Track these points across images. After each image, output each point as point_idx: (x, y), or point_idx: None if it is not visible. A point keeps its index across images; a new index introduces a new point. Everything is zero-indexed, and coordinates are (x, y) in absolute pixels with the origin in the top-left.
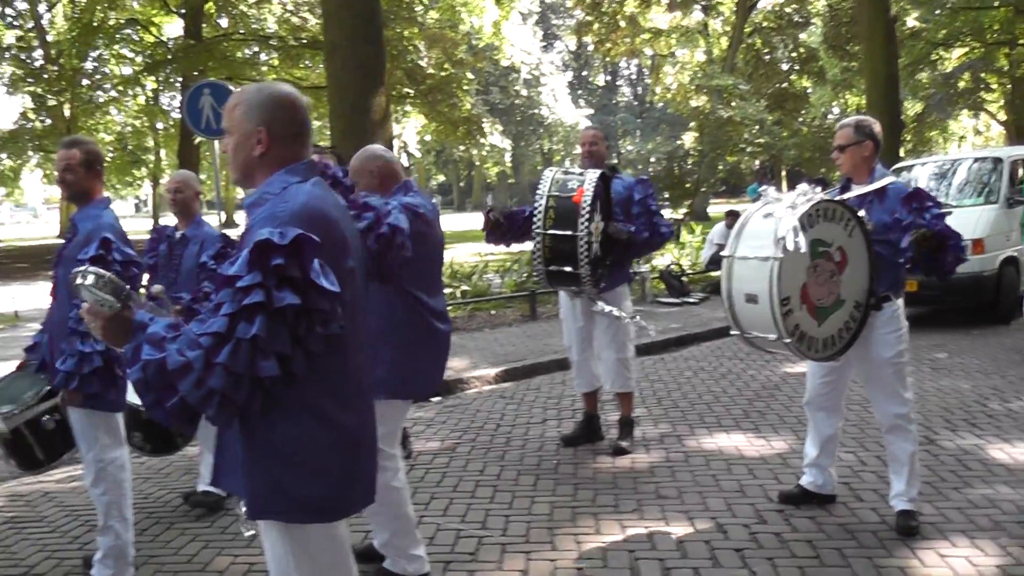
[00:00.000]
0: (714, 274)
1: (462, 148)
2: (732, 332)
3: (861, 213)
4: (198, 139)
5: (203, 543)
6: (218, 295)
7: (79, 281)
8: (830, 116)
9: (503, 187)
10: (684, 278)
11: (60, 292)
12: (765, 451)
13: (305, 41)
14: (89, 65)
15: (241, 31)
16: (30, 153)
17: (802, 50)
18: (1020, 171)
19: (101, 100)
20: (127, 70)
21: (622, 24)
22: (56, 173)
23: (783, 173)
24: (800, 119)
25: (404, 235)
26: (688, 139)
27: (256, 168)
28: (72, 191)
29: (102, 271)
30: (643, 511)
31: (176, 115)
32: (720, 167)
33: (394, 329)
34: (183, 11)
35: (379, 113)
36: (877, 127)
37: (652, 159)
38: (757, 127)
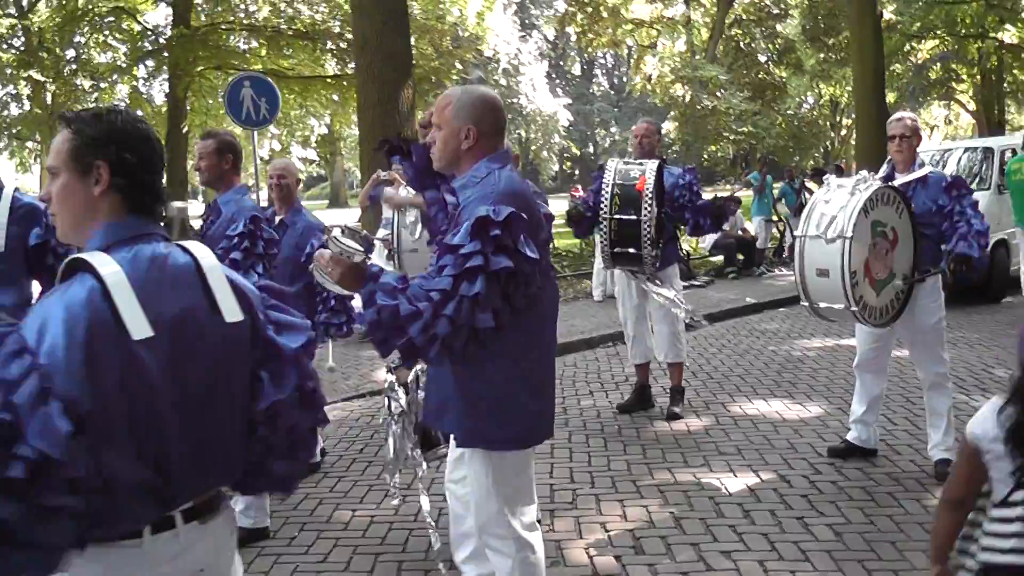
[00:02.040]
0: (713, 259)
1: None
2: (802, 303)
3: None
4: (186, 128)
5: (317, 500)
6: (441, 260)
7: (334, 234)
8: (805, 106)
9: None
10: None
11: None
12: (804, 415)
13: (294, 31)
14: (72, 53)
15: (230, 20)
16: (4, 140)
17: (780, 41)
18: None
19: (87, 88)
20: (106, 58)
21: (604, 15)
22: (195, 162)
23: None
24: (776, 109)
25: None
26: (668, 128)
27: (463, 157)
28: (207, 177)
29: (356, 227)
30: (711, 465)
31: (158, 102)
32: (705, 157)
33: None
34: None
35: (407, 104)
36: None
37: (630, 148)
38: (735, 117)
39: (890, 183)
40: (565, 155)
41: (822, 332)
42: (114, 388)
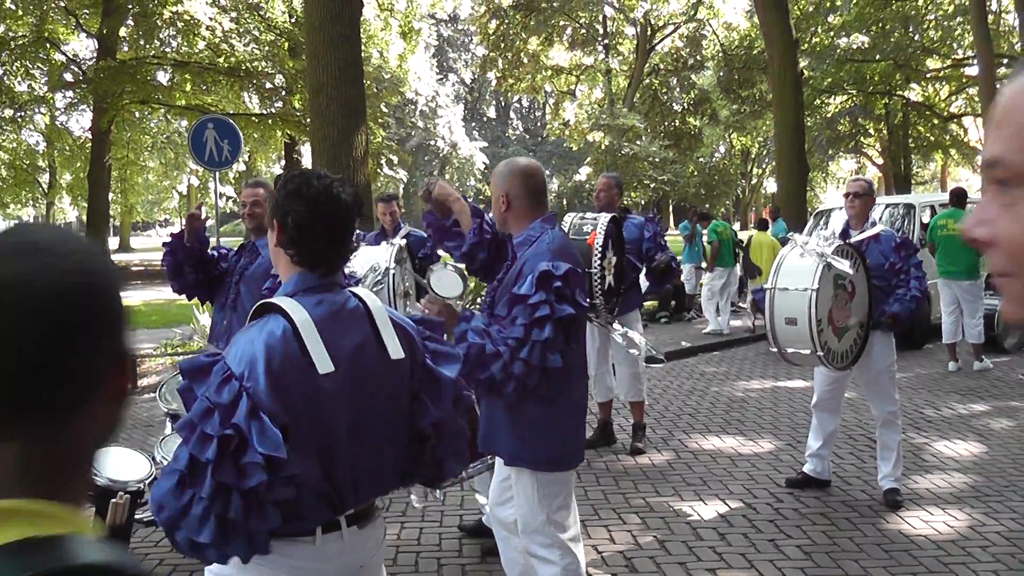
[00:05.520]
0: (646, 303)
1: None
2: (771, 348)
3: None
4: (108, 160)
5: None
6: (512, 311)
7: (432, 283)
8: (716, 155)
9: None
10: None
11: (241, 306)
12: (757, 450)
13: (226, 68)
14: None
15: (154, 56)
16: None
17: (695, 92)
18: (928, 215)
19: (7, 117)
20: (26, 87)
21: (524, 61)
22: (245, 207)
23: (670, 208)
24: (690, 157)
25: None
26: (584, 173)
27: (507, 220)
28: (257, 223)
29: (450, 270)
30: (681, 495)
31: (77, 134)
32: (624, 202)
33: None
34: (94, 31)
35: (360, 150)
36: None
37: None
38: (653, 165)
39: (847, 240)
40: (480, 197)
41: (758, 375)
42: (301, 411)
